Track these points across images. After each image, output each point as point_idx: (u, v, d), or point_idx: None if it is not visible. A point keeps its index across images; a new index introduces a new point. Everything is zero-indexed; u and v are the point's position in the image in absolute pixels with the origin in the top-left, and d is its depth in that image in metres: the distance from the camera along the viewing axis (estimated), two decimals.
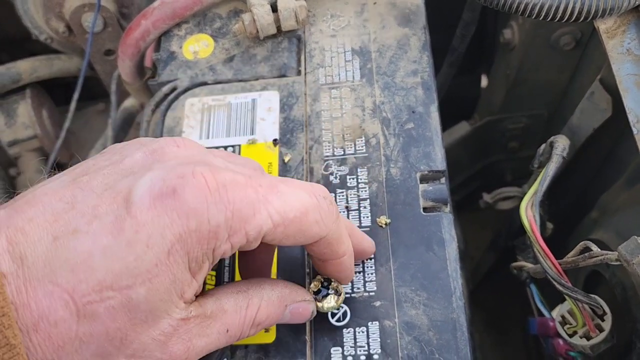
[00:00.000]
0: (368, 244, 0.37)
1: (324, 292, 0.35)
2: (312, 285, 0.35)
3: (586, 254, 0.35)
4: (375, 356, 0.35)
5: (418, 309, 0.36)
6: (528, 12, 0.42)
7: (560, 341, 0.43)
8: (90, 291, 0.25)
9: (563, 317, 0.40)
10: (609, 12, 0.41)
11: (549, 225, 0.51)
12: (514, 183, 0.75)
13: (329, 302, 0.35)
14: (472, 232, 0.91)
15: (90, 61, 0.65)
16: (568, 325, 0.40)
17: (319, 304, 0.35)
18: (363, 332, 0.36)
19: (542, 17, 0.41)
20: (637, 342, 0.42)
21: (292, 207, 0.29)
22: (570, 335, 0.40)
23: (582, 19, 0.41)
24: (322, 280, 0.35)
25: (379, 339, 0.36)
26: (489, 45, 0.75)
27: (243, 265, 0.37)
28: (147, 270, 0.26)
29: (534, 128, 0.75)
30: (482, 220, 0.85)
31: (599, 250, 0.34)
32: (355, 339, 0.36)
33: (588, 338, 0.39)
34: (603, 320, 0.38)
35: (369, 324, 0.36)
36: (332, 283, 0.35)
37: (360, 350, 0.36)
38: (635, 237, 0.32)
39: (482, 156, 0.81)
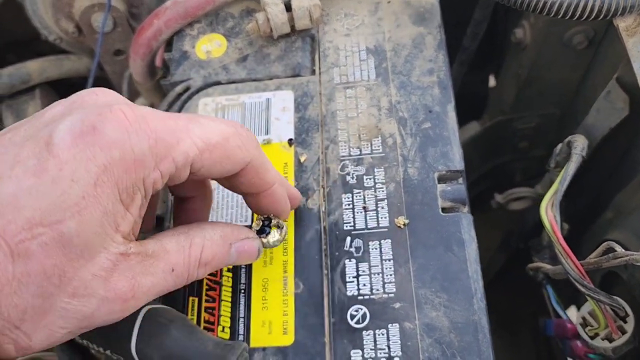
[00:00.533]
0: (293, 188, 0.39)
1: (266, 229, 0.36)
2: (253, 225, 0.36)
3: (610, 255, 0.35)
4: (396, 359, 0.35)
5: (438, 310, 0.36)
6: (546, 10, 0.42)
7: (579, 343, 0.42)
8: (20, 230, 0.25)
9: (584, 318, 0.40)
10: (629, 10, 0.40)
11: (565, 226, 0.50)
12: (524, 183, 0.75)
13: (274, 237, 0.36)
14: (482, 232, 0.90)
15: (100, 61, 0.65)
16: (589, 327, 0.39)
17: (264, 240, 0.35)
18: (383, 334, 0.36)
19: (560, 15, 0.41)
20: None
21: (214, 133, 0.30)
22: (592, 337, 0.39)
23: (601, 17, 0.40)
24: (263, 219, 0.36)
25: (399, 341, 0.35)
26: (499, 44, 0.75)
27: (179, 216, 0.38)
28: (75, 204, 0.26)
29: (545, 128, 0.75)
30: (492, 221, 0.84)
31: (624, 250, 0.34)
32: (375, 341, 0.36)
33: (610, 340, 0.38)
34: (625, 322, 0.38)
35: (389, 325, 0.36)
36: (273, 220, 0.36)
37: (380, 353, 0.35)
38: None
39: (493, 156, 0.81)
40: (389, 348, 0.35)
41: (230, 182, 0.34)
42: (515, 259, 0.79)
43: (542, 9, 0.41)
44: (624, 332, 0.38)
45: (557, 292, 0.51)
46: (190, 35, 0.49)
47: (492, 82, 0.86)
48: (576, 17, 0.41)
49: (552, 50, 0.63)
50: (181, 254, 0.31)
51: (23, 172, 0.26)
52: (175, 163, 0.29)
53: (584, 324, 0.40)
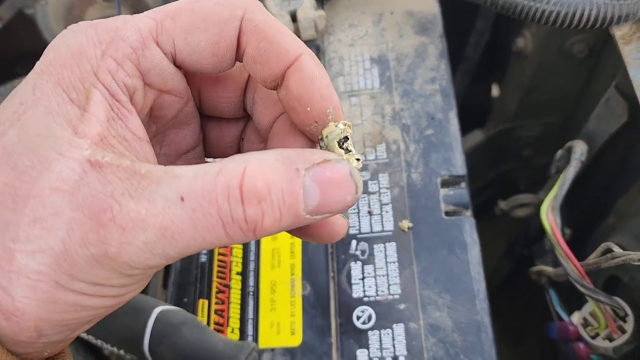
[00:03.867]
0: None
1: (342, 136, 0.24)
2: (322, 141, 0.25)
3: (608, 255, 0.35)
4: (401, 358, 0.36)
5: (442, 311, 0.37)
6: (544, 19, 0.43)
7: (581, 345, 0.43)
8: None
9: (585, 319, 0.41)
10: (624, 19, 0.41)
11: (567, 231, 0.51)
12: (528, 190, 0.75)
13: (354, 151, 0.24)
14: (487, 239, 0.91)
15: None
16: (590, 327, 0.40)
17: (354, 160, 0.24)
18: (388, 334, 0.37)
19: (557, 24, 0.42)
20: None
21: (171, 3, 0.24)
22: (593, 337, 0.40)
23: (597, 25, 0.42)
24: (321, 141, 0.25)
25: (404, 341, 0.36)
26: (502, 54, 0.76)
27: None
28: (13, 112, 0.22)
29: (548, 136, 0.76)
30: (497, 228, 0.85)
31: (621, 251, 0.35)
32: (380, 341, 0.37)
33: (610, 340, 0.39)
34: (625, 321, 0.39)
35: (394, 326, 0.37)
36: (338, 130, 0.24)
37: (386, 352, 0.36)
38: None
39: (497, 164, 0.82)
40: (394, 347, 0.36)
41: (243, 67, 0.25)
42: (520, 266, 0.80)
43: (540, 18, 0.43)
44: (623, 331, 0.39)
45: (561, 297, 0.52)
46: None
47: (495, 91, 0.87)
48: (573, 26, 0.42)
49: (553, 59, 0.64)
50: (200, 180, 0.21)
51: None
52: (127, 41, 0.23)
53: (585, 324, 0.41)
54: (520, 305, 0.81)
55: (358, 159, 0.24)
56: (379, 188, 0.42)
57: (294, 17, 0.47)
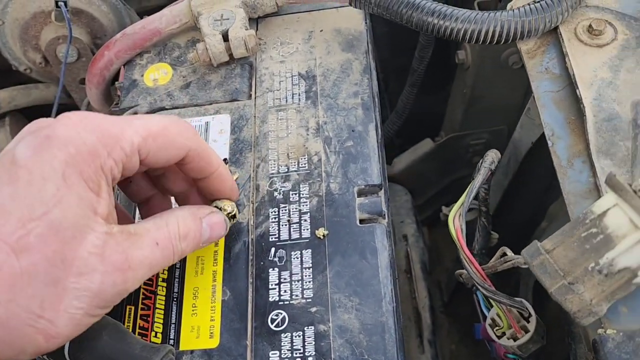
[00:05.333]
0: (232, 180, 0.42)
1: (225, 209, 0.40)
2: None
3: (501, 259, 0.38)
4: (310, 358, 0.38)
5: (350, 313, 0.39)
6: (453, 36, 0.45)
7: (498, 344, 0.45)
8: (15, 229, 0.29)
9: (493, 319, 0.43)
10: (527, 35, 0.44)
11: (494, 235, 0.53)
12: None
13: (230, 208, 0.40)
14: (445, 244, 0.94)
15: (67, 89, 0.69)
16: (497, 328, 0.42)
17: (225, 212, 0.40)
18: (299, 336, 0.39)
19: (467, 40, 0.45)
20: (571, 344, 0.45)
21: (153, 123, 0.35)
22: (499, 337, 0.42)
23: (502, 41, 0.44)
24: (214, 204, 0.40)
25: (313, 342, 0.38)
26: (446, 66, 0.79)
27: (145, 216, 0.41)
28: (53, 195, 0.30)
29: (496, 143, 0.78)
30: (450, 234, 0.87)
31: (513, 255, 0.37)
32: (292, 342, 0.39)
33: (515, 339, 0.41)
34: (528, 321, 0.41)
35: (305, 328, 0.39)
36: (222, 202, 0.40)
37: (296, 353, 0.38)
38: (536, 241, 0.35)
39: (449, 172, 0.84)
40: (304, 349, 0.38)
41: (181, 168, 0.38)
42: None
43: (449, 35, 0.45)
44: (527, 331, 0.41)
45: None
46: (140, 64, 0.53)
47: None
48: (480, 42, 0.44)
49: (491, 70, 0.67)
50: (161, 230, 0.35)
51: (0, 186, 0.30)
52: (124, 150, 0.33)
53: (493, 324, 0.43)
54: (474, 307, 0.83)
55: (230, 213, 0.40)
56: (299, 198, 0.44)
57: (225, 37, 0.50)
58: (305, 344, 0.39)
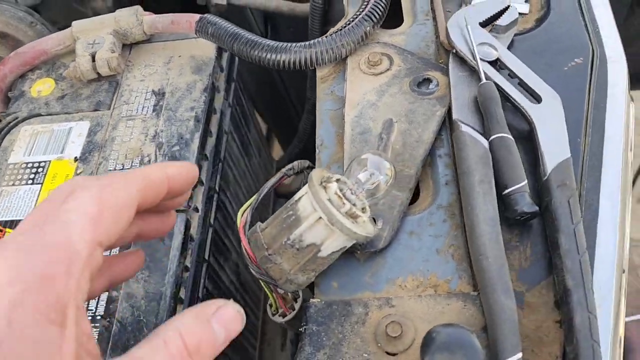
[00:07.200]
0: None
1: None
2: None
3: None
4: (98, 317, 0.46)
5: (139, 283, 0.47)
6: (271, 64, 0.54)
7: None
8: None
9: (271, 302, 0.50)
10: (320, 63, 0.53)
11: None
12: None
13: None
14: None
15: None
16: (273, 308, 0.50)
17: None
18: (95, 299, 0.47)
19: (275, 67, 0.53)
20: None
21: (90, 205, 0.30)
22: (273, 315, 0.49)
23: (302, 68, 0.53)
24: None
25: (104, 305, 0.47)
26: None
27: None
28: None
29: None
30: None
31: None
32: (87, 304, 0.47)
33: (283, 316, 0.49)
34: (296, 302, 0.48)
35: (102, 295, 0.47)
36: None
37: (88, 313, 0.46)
38: (259, 222, 0.43)
39: None
40: (96, 309, 0.47)
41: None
42: None
43: (267, 64, 0.54)
44: (294, 309, 0.48)
45: None
46: (31, 78, 0.64)
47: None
48: (286, 68, 0.53)
49: None
50: (159, 355, 0.27)
51: None
52: (80, 255, 0.27)
53: (271, 305, 0.50)
54: None
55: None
56: None
57: (93, 57, 0.60)
58: (98, 305, 0.47)
